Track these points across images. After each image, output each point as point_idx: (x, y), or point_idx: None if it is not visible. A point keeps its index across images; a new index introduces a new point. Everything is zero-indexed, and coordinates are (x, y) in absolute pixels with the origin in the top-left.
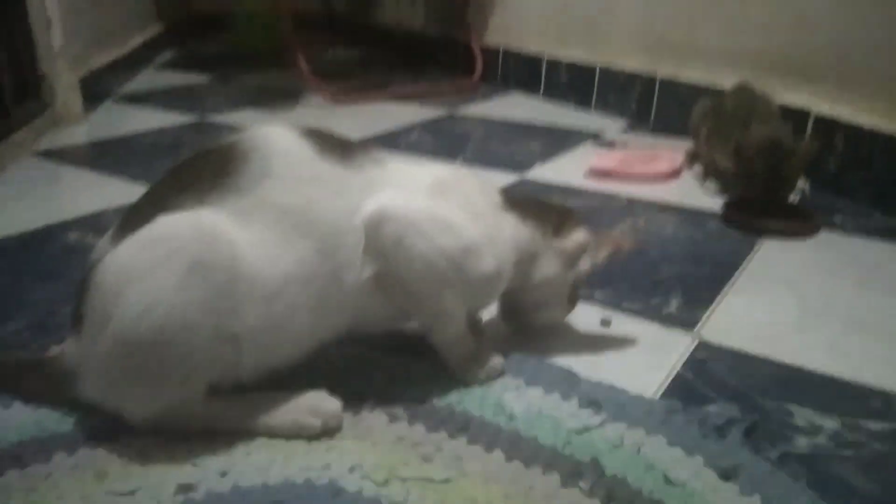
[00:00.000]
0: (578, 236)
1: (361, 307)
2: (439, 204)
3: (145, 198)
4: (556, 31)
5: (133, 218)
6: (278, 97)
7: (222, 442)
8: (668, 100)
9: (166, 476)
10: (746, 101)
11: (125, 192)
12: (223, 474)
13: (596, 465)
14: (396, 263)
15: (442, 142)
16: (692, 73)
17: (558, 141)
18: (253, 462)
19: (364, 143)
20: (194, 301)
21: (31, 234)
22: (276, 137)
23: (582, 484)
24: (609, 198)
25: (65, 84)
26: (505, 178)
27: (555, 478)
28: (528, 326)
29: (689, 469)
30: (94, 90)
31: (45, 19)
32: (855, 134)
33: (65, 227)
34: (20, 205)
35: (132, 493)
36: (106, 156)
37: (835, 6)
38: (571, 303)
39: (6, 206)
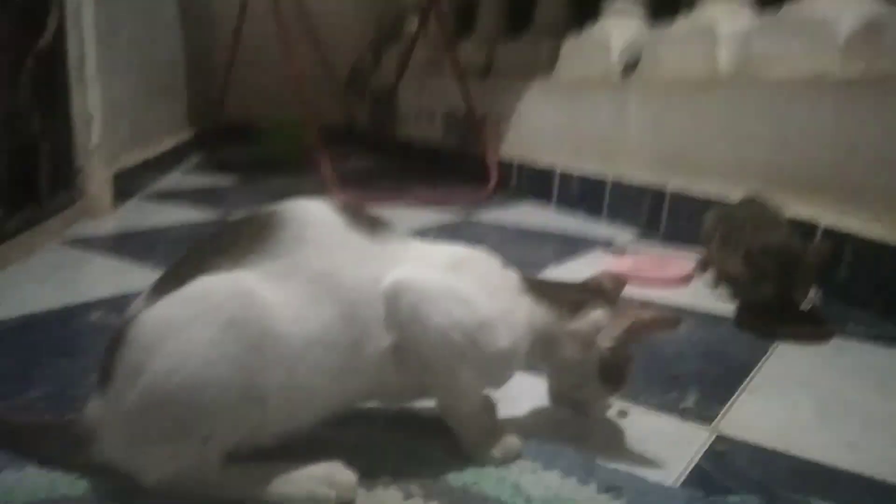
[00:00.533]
0: (593, 315)
1: (380, 377)
2: (457, 279)
3: (182, 261)
4: (569, 146)
5: (170, 279)
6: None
7: None
8: (678, 211)
9: None
10: (756, 210)
11: (148, 277)
12: None
13: None
14: (412, 334)
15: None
16: (702, 187)
17: (570, 247)
18: None
19: (388, 222)
20: (227, 357)
21: (54, 312)
22: (311, 208)
23: None
24: (622, 300)
25: (98, 179)
26: None
27: None
28: (581, 411)
29: None
30: (125, 186)
31: (87, 116)
32: (863, 245)
33: (87, 307)
34: (45, 286)
35: None
36: (131, 245)
37: (839, 123)
38: (611, 382)
39: (31, 288)
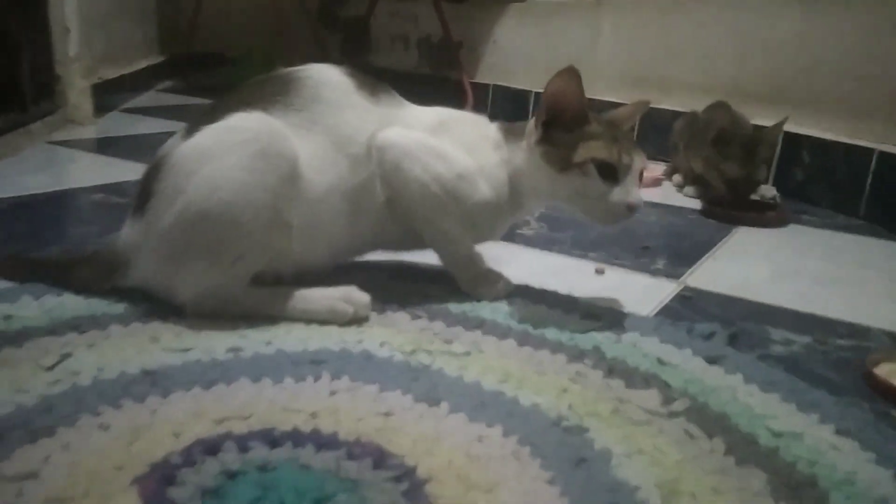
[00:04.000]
0: (529, 122)
1: (381, 226)
2: (439, 138)
3: (210, 109)
4: (543, 69)
5: (203, 121)
6: None
7: (264, 323)
8: (649, 127)
9: (216, 341)
10: (720, 114)
11: (139, 171)
12: (267, 343)
13: (597, 351)
14: (396, 187)
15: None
16: (672, 103)
17: None
18: (293, 336)
19: (388, 87)
20: (261, 184)
21: (57, 193)
22: (326, 71)
23: (586, 360)
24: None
25: (78, 88)
26: None
27: (561, 357)
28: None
29: (680, 357)
30: (103, 100)
31: (63, 27)
32: (820, 146)
33: (87, 190)
34: (41, 175)
35: (186, 350)
36: (115, 147)
37: (799, 35)
38: (610, 177)
39: (29, 176)
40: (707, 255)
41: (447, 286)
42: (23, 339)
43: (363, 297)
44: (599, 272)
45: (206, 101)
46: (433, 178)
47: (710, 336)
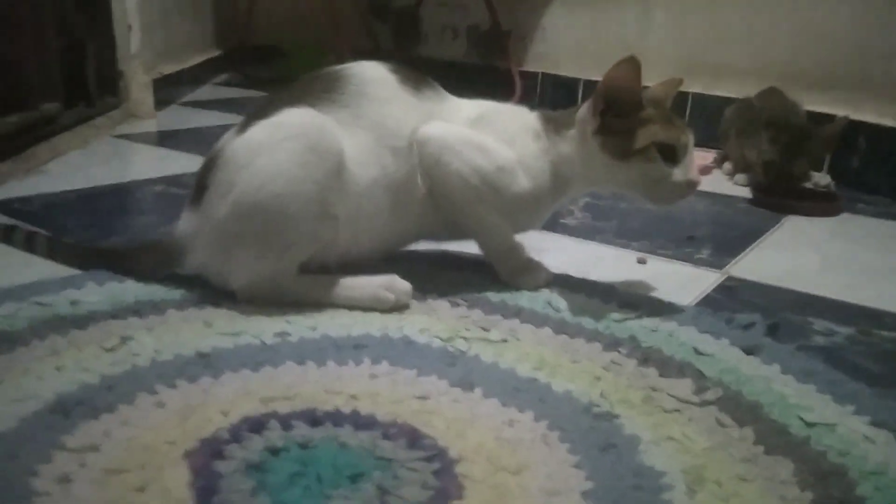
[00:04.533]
0: (580, 111)
1: (424, 217)
2: (479, 131)
3: (262, 105)
4: (592, 57)
5: (255, 117)
6: None
7: (310, 309)
8: (700, 114)
9: (265, 326)
10: (774, 100)
11: (197, 164)
12: (313, 328)
13: (633, 340)
14: (437, 180)
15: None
16: (723, 89)
17: None
18: (337, 322)
19: (432, 81)
20: (310, 178)
21: (122, 185)
22: (371, 67)
23: (621, 350)
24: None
25: (139, 83)
26: None
27: (597, 346)
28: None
29: (717, 346)
30: (163, 94)
31: (127, 25)
32: (877, 133)
33: (150, 182)
34: (106, 168)
35: (237, 334)
36: (176, 140)
37: (854, 18)
38: (670, 158)
39: (95, 168)
40: (754, 245)
41: (488, 275)
42: (87, 322)
43: (404, 286)
44: (641, 262)
45: (261, 94)
46: (473, 171)
47: (749, 326)
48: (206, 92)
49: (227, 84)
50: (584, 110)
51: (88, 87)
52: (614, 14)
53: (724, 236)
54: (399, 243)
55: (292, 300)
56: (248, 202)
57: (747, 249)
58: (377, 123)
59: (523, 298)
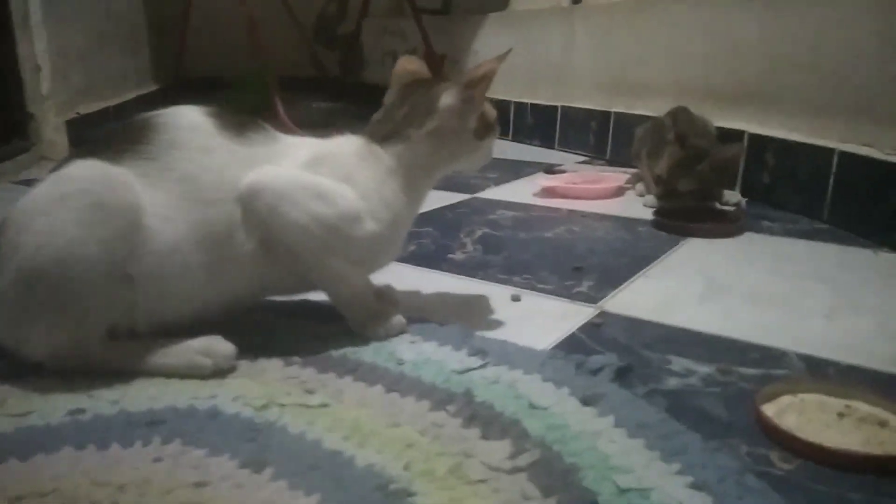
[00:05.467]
0: (444, 103)
1: (259, 273)
2: (316, 174)
3: (65, 158)
4: (523, 78)
5: (52, 169)
6: None
7: (122, 379)
8: (622, 133)
9: (61, 403)
10: (681, 120)
11: None
12: (115, 402)
13: (468, 395)
14: (274, 232)
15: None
16: (643, 107)
17: (515, 171)
18: (146, 394)
19: (264, 123)
20: (94, 237)
21: None
22: (185, 114)
23: (449, 408)
24: (551, 210)
25: (52, 125)
26: (457, 198)
27: (425, 404)
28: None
29: (555, 398)
30: (84, 134)
31: (35, 66)
32: (784, 148)
33: None
34: None
35: (24, 415)
36: None
37: (765, 35)
38: (485, 130)
39: None
40: (640, 274)
41: (342, 324)
42: None
43: (225, 349)
44: (516, 299)
45: None
46: (313, 220)
47: (598, 371)
48: None
49: None
50: (450, 102)
51: None
52: (540, 35)
53: (613, 265)
54: (232, 303)
55: (105, 369)
56: (27, 267)
57: (631, 279)
58: (189, 175)
59: (368, 351)
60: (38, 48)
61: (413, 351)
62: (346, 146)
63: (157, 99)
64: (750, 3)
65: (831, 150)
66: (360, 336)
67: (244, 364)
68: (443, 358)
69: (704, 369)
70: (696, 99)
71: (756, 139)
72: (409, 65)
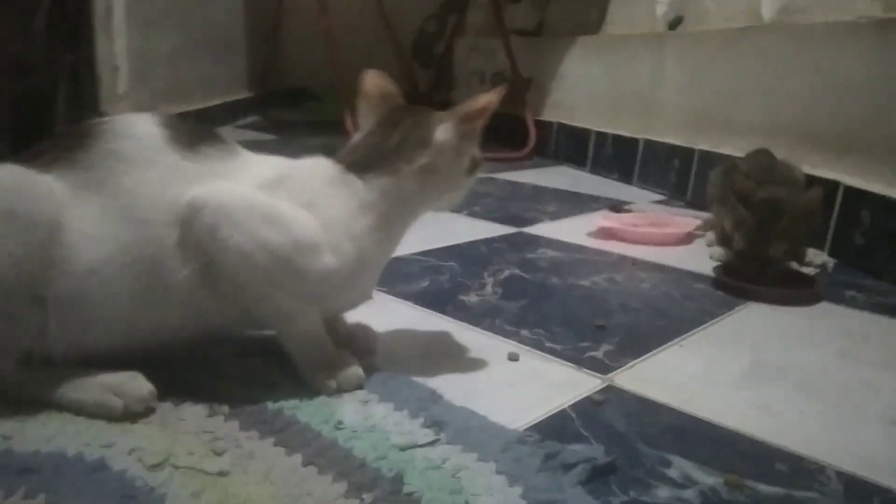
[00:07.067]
0: (441, 136)
1: (195, 305)
2: (272, 196)
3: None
4: (606, 106)
5: None
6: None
7: (25, 411)
8: (705, 173)
9: None
10: (762, 166)
11: None
12: (5, 439)
13: (397, 480)
14: (213, 258)
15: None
16: (730, 146)
17: (578, 205)
18: (43, 431)
19: (221, 137)
20: (3, 250)
21: None
22: (135, 122)
23: (365, 496)
24: (600, 253)
25: None
26: (499, 230)
27: (341, 487)
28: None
29: (499, 498)
30: None
31: (113, 66)
32: (884, 205)
33: None
34: None
35: None
36: None
37: (874, 75)
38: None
39: None
40: (674, 341)
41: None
42: None
43: (140, 390)
44: (513, 358)
45: (275, 137)
46: (259, 247)
47: (570, 467)
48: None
49: (250, 127)
50: (446, 138)
51: (54, 130)
52: (628, 65)
53: (644, 327)
54: (167, 337)
55: (18, 397)
56: None
57: (661, 347)
58: (126, 190)
59: (308, 408)
60: (117, 48)
61: (359, 414)
62: (316, 169)
63: (250, 107)
64: (858, 38)
65: None
66: (309, 385)
67: (165, 407)
68: (390, 427)
69: (709, 479)
70: (789, 142)
71: (852, 192)
72: (378, 79)
